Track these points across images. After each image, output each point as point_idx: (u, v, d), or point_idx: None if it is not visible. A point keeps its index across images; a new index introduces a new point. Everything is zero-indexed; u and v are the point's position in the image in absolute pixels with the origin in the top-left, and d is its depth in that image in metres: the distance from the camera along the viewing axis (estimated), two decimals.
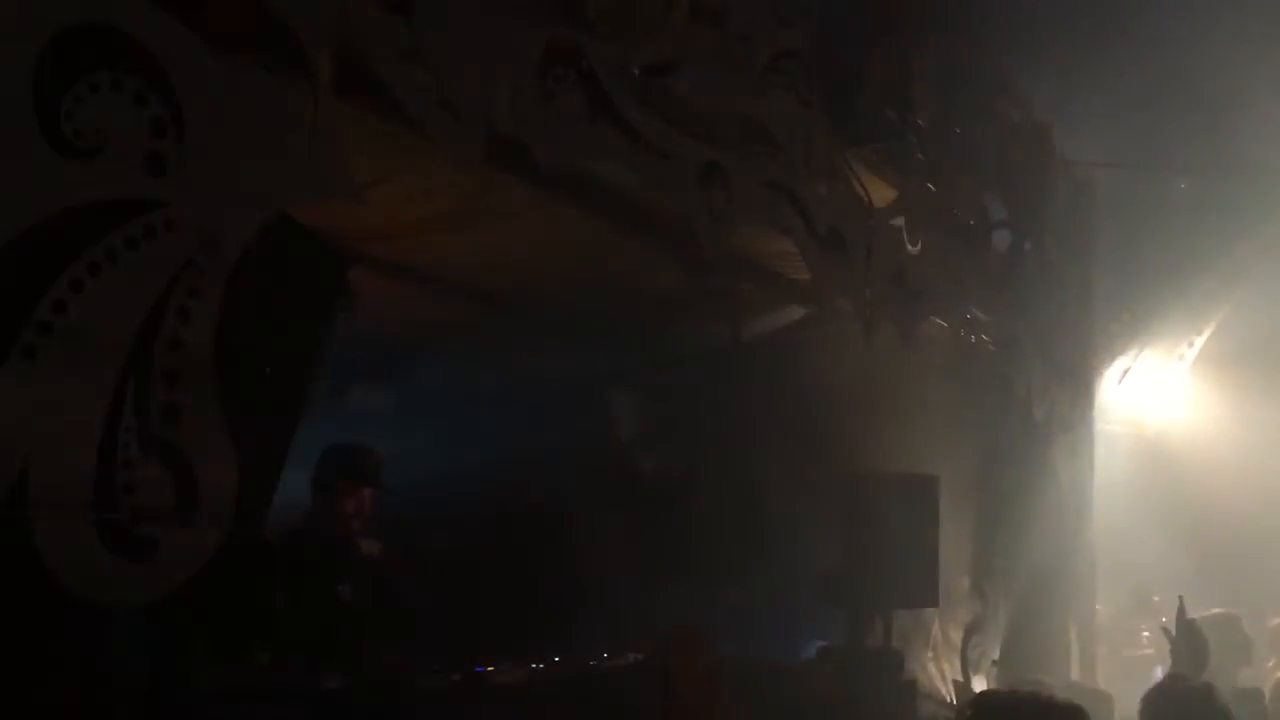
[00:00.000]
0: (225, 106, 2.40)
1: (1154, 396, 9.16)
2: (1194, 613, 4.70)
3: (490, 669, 4.57)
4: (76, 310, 2.12)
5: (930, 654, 6.55)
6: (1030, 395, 6.46)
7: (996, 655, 6.59)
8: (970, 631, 6.58)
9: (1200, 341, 9.23)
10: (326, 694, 3.89)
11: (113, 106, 2.19)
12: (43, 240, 2.08)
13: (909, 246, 5.16)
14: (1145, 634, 8.19)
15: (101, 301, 2.16)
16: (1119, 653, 8.42)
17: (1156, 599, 8.57)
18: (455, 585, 5.37)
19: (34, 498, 2.05)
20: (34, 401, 2.06)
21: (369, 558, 4.70)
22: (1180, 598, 4.69)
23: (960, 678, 6.51)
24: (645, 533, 5.97)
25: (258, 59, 2.51)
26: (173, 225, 2.29)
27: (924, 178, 5.34)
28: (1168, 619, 4.74)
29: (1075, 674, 7.20)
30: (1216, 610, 5.76)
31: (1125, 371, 8.66)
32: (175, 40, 2.30)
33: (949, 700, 6.50)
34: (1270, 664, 6.69)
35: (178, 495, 2.29)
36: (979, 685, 6.39)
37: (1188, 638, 4.58)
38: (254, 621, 3.56)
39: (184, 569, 2.29)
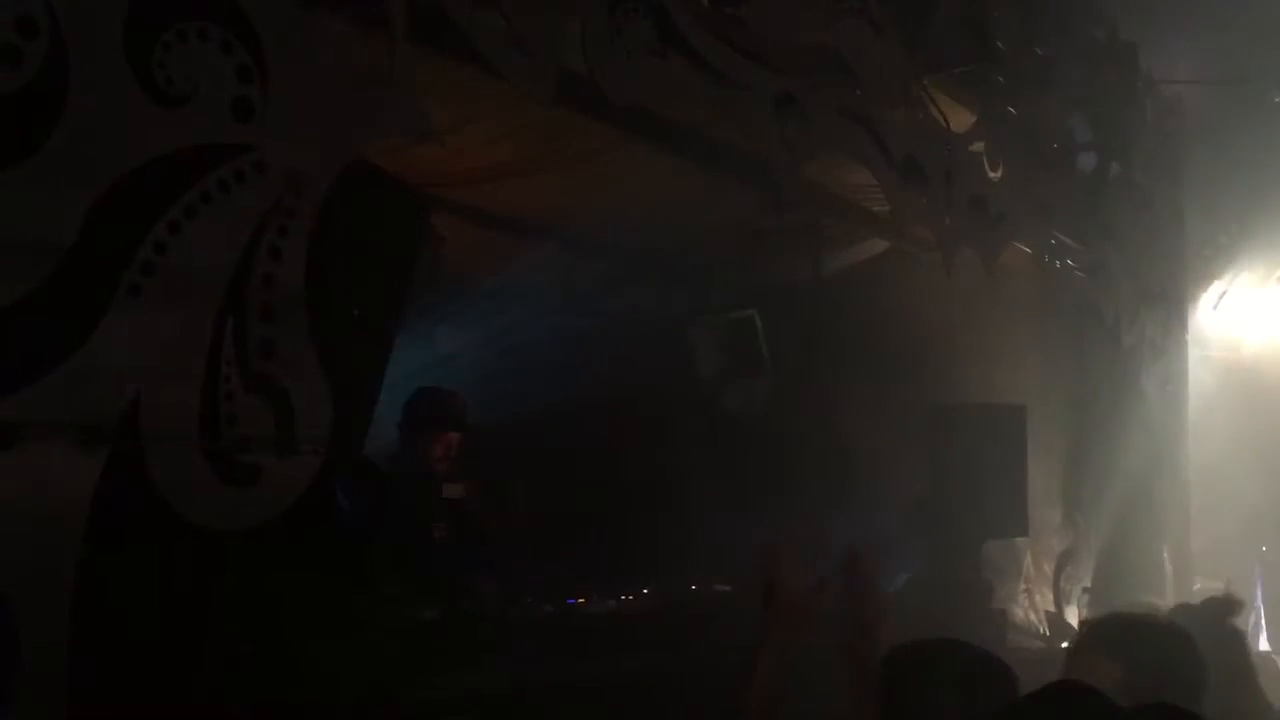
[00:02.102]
0: (306, 53, 2.49)
1: (1251, 320, 8.90)
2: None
3: (581, 601, 4.70)
4: (176, 250, 2.23)
5: (1022, 585, 6.54)
6: (1119, 321, 6.36)
7: (1089, 584, 6.54)
8: (1063, 562, 6.54)
9: None
10: (421, 624, 4.05)
11: (201, 54, 2.28)
12: (142, 184, 2.19)
13: (990, 172, 5.08)
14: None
15: (199, 242, 2.27)
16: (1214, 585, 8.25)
17: (1264, 549, 8.36)
18: (545, 520, 5.50)
19: (145, 428, 2.19)
20: (142, 337, 2.18)
21: (459, 496, 4.85)
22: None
23: (1053, 608, 6.48)
24: (731, 466, 6.03)
25: (336, 6, 2.59)
26: (261, 168, 2.38)
27: (1004, 100, 5.24)
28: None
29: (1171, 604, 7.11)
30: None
31: (1221, 295, 8.42)
32: None
33: (1041, 631, 6.49)
34: None
35: (277, 425, 2.41)
36: (1072, 616, 6.36)
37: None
38: (351, 550, 3.71)
39: (286, 495, 2.42)
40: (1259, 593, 8.45)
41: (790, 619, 2.52)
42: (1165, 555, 7.16)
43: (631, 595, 4.88)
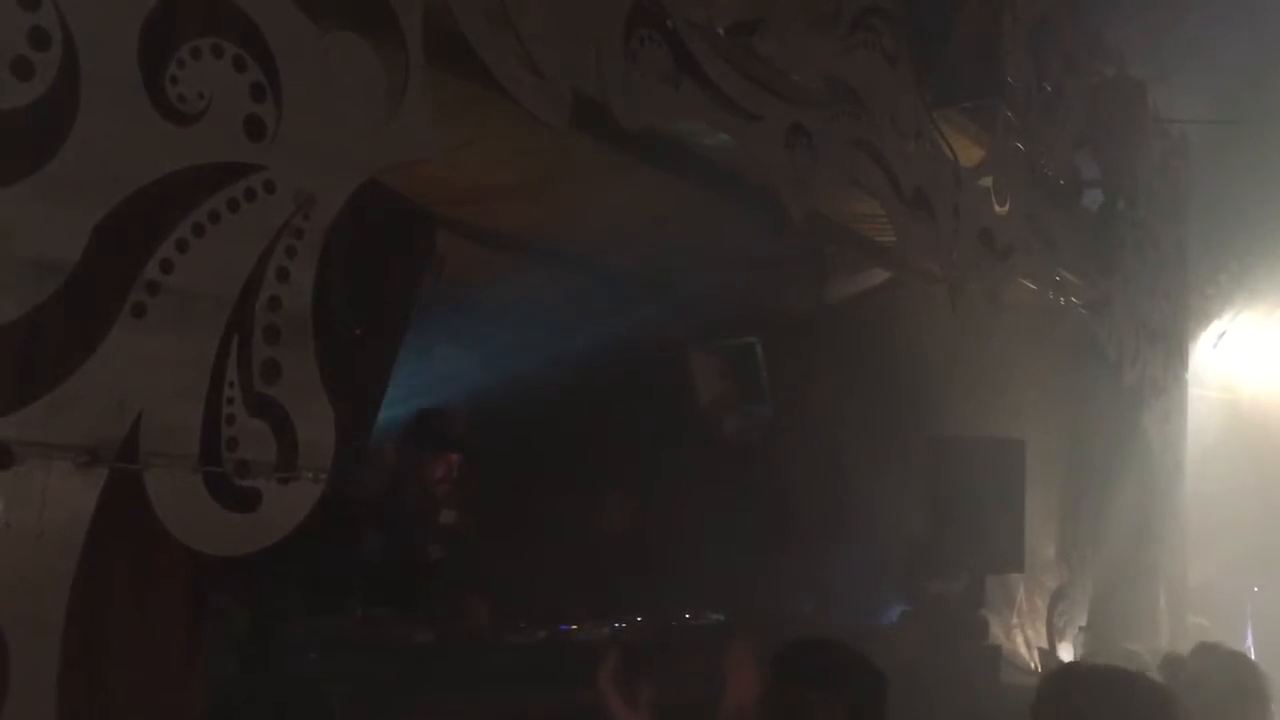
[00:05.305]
0: (320, 71, 2.45)
1: (1251, 360, 8.91)
2: None
3: (575, 628, 4.66)
4: (183, 270, 2.19)
5: (1015, 620, 6.50)
6: (1121, 358, 6.34)
7: (1084, 622, 6.51)
8: (1057, 598, 6.50)
9: None
10: (415, 647, 4.00)
11: (214, 72, 2.24)
12: (151, 202, 2.15)
13: (997, 206, 5.08)
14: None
15: (206, 261, 2.23)
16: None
17: (1256, 589, 8.34)
18: (540, 545, 5.46)
19: (145, 450, 2.14)
20: (145, 357, 2.13)
21: (456, 518, 4.82)
22: None
23: (1046, 645, 6.44)
24: (728, 495, 6.00)
25: (351, 24, 2.55)
26: (272, 188, 2.34)
27: (1013, 136, 5.24)
28: None
29: (1165, 644, 7.07)
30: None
31: (1221, 334, 8.43)
32: (272, 6, 2.36)
33: (1034, 667, 6.44)
34: None
35: (279, 450, 2.35)
36: (1065, 653, 6.32)
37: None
38: (348, 575, 3.67)
39: (286, 521, 2.36)
40: (1249, 633, 8.44)
41: None
42: (1161, 594, 7.13)
43: (625, 623, 4.84)
